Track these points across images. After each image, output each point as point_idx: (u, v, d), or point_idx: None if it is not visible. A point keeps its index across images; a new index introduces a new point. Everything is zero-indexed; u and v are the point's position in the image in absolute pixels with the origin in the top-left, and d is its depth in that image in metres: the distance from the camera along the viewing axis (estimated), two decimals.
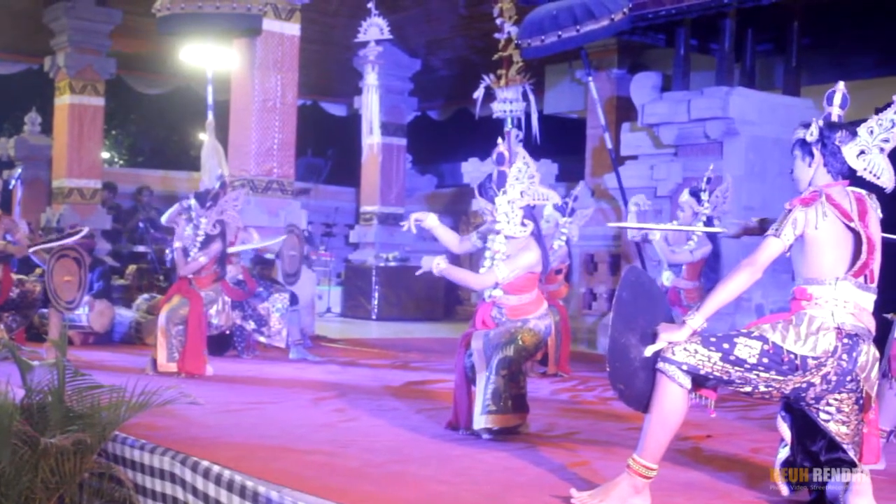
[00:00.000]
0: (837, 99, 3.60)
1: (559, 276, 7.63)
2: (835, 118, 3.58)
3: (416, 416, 5.51)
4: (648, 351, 3.43)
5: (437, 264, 4.90)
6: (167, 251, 7.32)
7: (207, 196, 7.26)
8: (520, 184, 4.94)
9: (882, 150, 3.49)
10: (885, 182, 3.49)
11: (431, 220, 5.22)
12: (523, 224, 4.94)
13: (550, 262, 6.34)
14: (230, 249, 7.85)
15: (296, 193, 12.43)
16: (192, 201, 7.25)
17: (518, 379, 4.89)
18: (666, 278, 6.94)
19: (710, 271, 6.70)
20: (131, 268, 11.62)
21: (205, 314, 7.19)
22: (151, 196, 13.90)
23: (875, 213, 3.51)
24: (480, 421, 4.80)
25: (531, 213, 5.05)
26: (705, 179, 6.92)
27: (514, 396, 4.85)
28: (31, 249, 7.79)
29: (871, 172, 3.48)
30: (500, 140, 5.19)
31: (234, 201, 7.47)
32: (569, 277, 7.96)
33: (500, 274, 4.90)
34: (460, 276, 5.20)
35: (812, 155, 3.54)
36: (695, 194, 6.86)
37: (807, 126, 3.57)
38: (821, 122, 3.54)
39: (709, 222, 6.77)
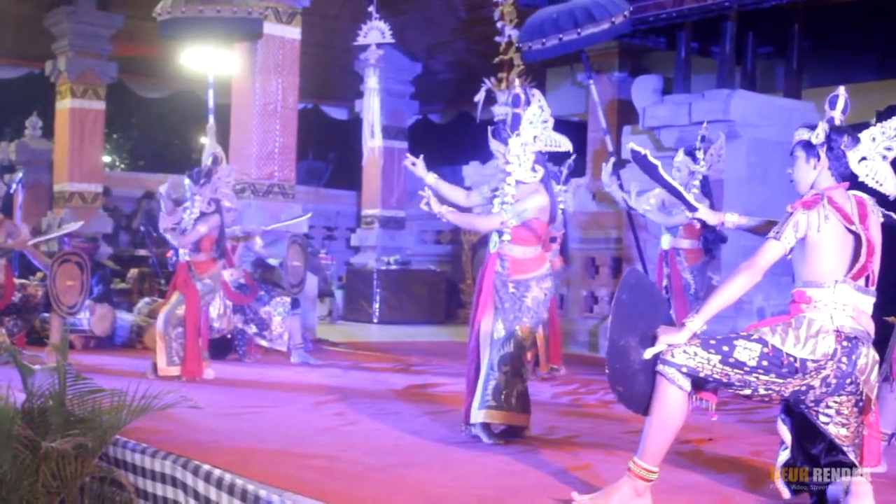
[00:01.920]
0: (840, 103, 3.60)
1: (553, 244, 7.54)
2: (837, 122, 3.58)
3: (418, 419, 5.51)
4: (648, 353, 3.43)
5: (447, 209, 4.84)
6: (169, 254, 7.29)
7: (201, 174, 7.22)
8: (533, 128, 4.87)
9: (885, 157, 3.50)
10: (889, 189, 3.50)
11: (431, 179, 5.17)
12: (534, 169, 4.88)
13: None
14: (269, 227, 7.89)
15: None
16: (187, 181, 7.21)
17: (521, 373, 4.87)
18: (665, 242, 6.86)
19: (707, 231, 6.61)
20: (132, 272, 11.61)
21: (202, 312, 7.15)
22: (152, 200, 13.91)
23: (875, 216, 3.51)
24: (478, 415, 4.77)
25: (543, 159, 4.97)
26: (699, 138, 6.85)
27: (519, 394, 4.83)
28: (31, 242, 7.83)
29: (873, 179, 3.48)
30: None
31: (226, 177, 7.42)
32: (564, 249, 7.84)
33: (505, 215, 4.85)
34: (465, 219, 5.19)
35: (818, 157, 3.54)
36: (690, 154, 6.80)
37: (811, 128, 3.57)
38: (826, 126, 3.54)
39: (705, 180, 6.69)
